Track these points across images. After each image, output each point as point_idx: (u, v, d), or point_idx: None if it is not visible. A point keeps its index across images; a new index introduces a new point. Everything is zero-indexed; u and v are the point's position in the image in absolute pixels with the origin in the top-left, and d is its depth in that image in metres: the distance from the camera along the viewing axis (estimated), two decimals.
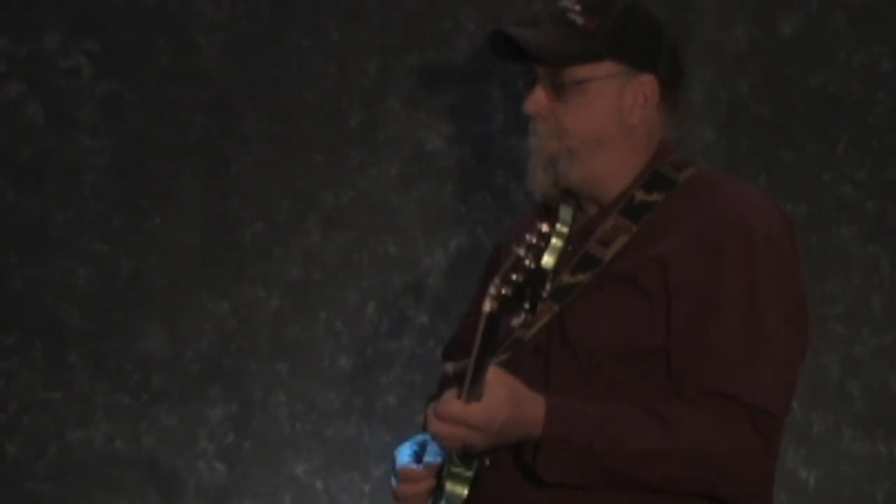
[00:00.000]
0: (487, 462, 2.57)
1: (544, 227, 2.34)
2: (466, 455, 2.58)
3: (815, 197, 3.80)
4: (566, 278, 2.60)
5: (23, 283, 3.67)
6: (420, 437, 2.77)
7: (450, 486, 2.58)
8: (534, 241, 2.34)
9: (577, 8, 2.64)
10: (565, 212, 2.40)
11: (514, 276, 2.33)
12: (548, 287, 2.36)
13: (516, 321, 2.42)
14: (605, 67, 2.61)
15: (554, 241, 2.33)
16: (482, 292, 2.81)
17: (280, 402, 3.72)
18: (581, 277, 2.56)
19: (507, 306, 2.35)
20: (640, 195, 2.66)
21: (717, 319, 2.56)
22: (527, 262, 2.33)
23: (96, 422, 3.62)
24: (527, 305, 2.34)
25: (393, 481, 2.74)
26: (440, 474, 2.67)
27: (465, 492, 2.57)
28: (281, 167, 3.74)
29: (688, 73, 3.59)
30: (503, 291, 2.32)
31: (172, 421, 3.70)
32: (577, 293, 2.58)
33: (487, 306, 2.35)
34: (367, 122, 3.75)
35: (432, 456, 2.70)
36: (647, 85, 2.64)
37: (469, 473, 2.57)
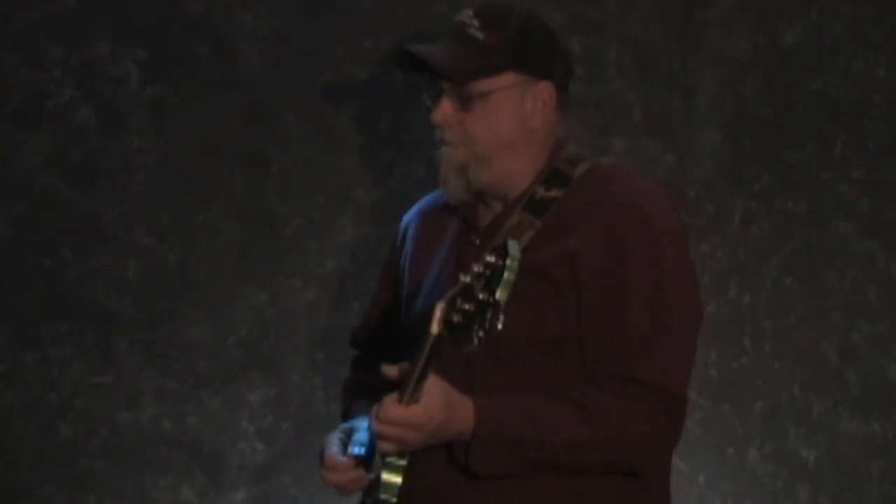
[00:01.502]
0: (419, 452, 2.63)
1: (491, 259, 2.39)
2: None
3: (814, 195, 3.82)
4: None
5: (76, 275, 3.75)
6: (346, 426, 2.85)
7: (385, 476, 2.65)
8: (480, 270, 2.39)
9: (476, 23, 2.69)
10: (513, 246, 2.42)
11: (465, 305, 2.39)
12: (502, 319, 2.38)
13: (468, 348, 2.45)
14: (507, 79, 2.68)
15: (507, 275, 2.37)
16: (386, 277, 3.03)
17: (315, 385, 3.78)
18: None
19: (455, 331, 2.42)
20: (541, 192, 2.73)
21: (623, 308, 2.64)
22: (479, 294, 2.38)
23: (144, 404, 3.69)
24: (481, 334, 2.38)
25: (321, 469, 2.79)
26: (368, 465, 2.74)
27: (400, 480, 2.64)
28: (316, 166, 3.79)
29: (694, 79, 3.72)
30: (454, 319, 2.39)
31: (215, 403, 3.76)
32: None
33: (435, 329, 2.42)
34: (395, 125, 3.79)
35: (357, 446, 2.77)
36: (545, 91, 2.71)
37: (403, 462, 2.65)
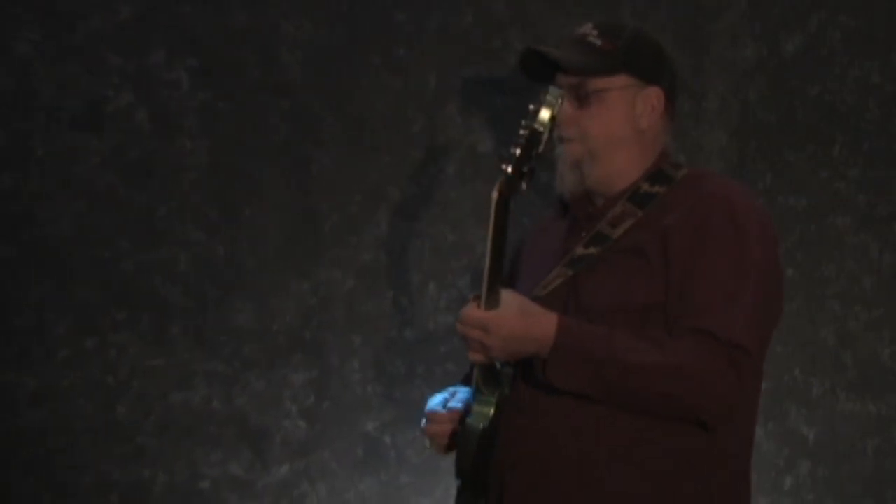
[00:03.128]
0: (507, 391, 2.76)
1: (532, 106, 2.59)
2: (490, 383, 2.76)
3: (813, 191, 3.92)
4: (579, 251, 2.76)
5: (133, 267, 3.77)
6: (451, 388, 2.94)
7: (477, 407, 2.78)
8: (525, 132, 2.59)
9: (595, 32, 2.80)
10: (554, 88, 2.62)
11: (515, 151, 2.57)
12: (542, 146, 2.61)
13: (523, 188, 2.65)
14: (621, 80, 2.78)
15: (544, 109, 2.59)
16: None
17: (354, 368, 3.85)
18: (592, 250, 2.73)
19: (511, 185, 2.59)
20: (645, 187, 2.80)
21: (703, 275, 2.69)
22: (521, 133, 2.58)
23: (195, 386, 3.74)
24: (526, 169, 2.57)
25: (423, 421, 2.90)
26: (463, 418, 2.83)
27: (491, 411, 2.76)
28: (354, 166, 3.84)
29: (704, 85, 3.82)
30: (505, 167, 2.57)
31: (261, 385, 3.81)
32: (587, 262, 2.74)
33: (495, 192, 2.58)
34: (428, 128, 3.87)
35: (456, 403, 2.88)
36: (654, 95, 2.80)
37: (492, 398, 2.76)
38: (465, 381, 2.99)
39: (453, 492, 2.99)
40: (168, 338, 3.79)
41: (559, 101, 2.62)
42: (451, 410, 2.85)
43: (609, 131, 2.79)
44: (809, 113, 3.90)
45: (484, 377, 2.77)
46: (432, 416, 2.87)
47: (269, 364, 3.81)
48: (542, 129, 2.60)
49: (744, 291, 2.69)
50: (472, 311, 2.64)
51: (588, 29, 2.81)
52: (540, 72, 2.80)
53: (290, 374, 3.84)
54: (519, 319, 2.64)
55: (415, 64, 3.85)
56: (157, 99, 3.78)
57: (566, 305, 2.75)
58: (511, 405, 2.78)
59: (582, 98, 2.77)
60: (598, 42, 2.78)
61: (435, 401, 2.91)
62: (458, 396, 2.89)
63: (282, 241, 3.84)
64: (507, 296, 2.64)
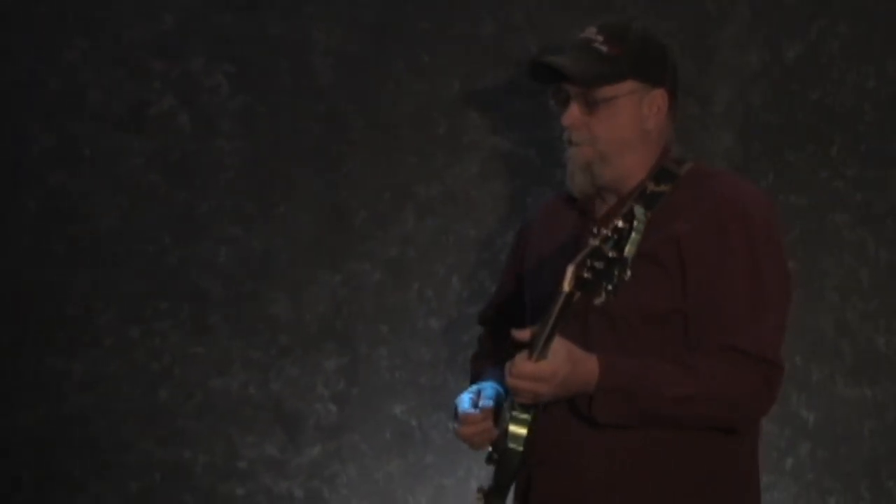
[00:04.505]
0: (542, 407, 2.71)
1: (621, 224, 2.48)
2: (527, 407, 2.70)
3: (813, 190, 3.89)
4: None
5: (175, 260, 3.83)
6: (475, 387, 2.90)
7: (513, 428, 2.72)
8: (609, 234, 2.49)
9: (600, 38, 2.78)
10: (640, 211, 2.50)
11: (595, 264, 2.48)
12: (628, 273, 2.48)
13: (598, 300, 2.54)
14: (628, 86, 2.77)
15: (634, 235, 2.47)
16: (510, 268, 3.07)
17: (382, 355, 3.87)
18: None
19: (584, 287, 2.51)
20: (651, 186, 2.78)
21: (725, 285, 2.69)
22: (609, 253, 2.47)
23: (233, 372, 3.80)
24: (609, 287, 2.49)
25: (455, 424, 2.86)
26: (497, 417, 2.80)
27: (525, 432, 2.71)
28: (382, 166, 3.86)
29: (710, 90, 3.78)
30: (584, 275, 2.49)
31: (295, 371, 3.84)
32: None
33: (567, 287, 2.50)
34: (452, 129, 3.88)
35: (486, 401, 2.83)
36: (659, 98, 2.80)
37: (527, 416, 2.72)
38: (474, 380, 3.02)
39: (475, 471, 2.96)
40: (207, 327, 3.84)
41: (644, 225, 2.50)
42: (483, 409, 2.83)
43: (617, 135, 2.79)
44: (809, 116, 3.89)
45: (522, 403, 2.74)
46: (466, 419, 2.83)
47: (303, 352, 3.84)
48: (628, 258, 2.50)
49: (764, 304, 2.71)
50: (525, 366, 2.61)
51: (593, 34, 2.80)
52: (548, 76, 2.81)
53: (322, 361, 3.87)
54: (567, 367, 2.62)
55: (439, 69, 3.87)
56: (196, 102, 3.84)
57: (587, 313, 2.72)
58: (547, 426, 2.76)
59: (591, 104, 2.77)
60: (604, 48, 2.77)
61: (464, 402, 2.86)
62: (485, 393, 2.87)
63: (314, 236, 3.87)
64: (557, 343, 2.60)
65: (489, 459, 2.84)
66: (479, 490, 2.84)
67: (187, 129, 3.86)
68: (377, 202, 3.90)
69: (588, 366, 2.65)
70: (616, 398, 2.66)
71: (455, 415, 2.87)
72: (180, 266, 3.86)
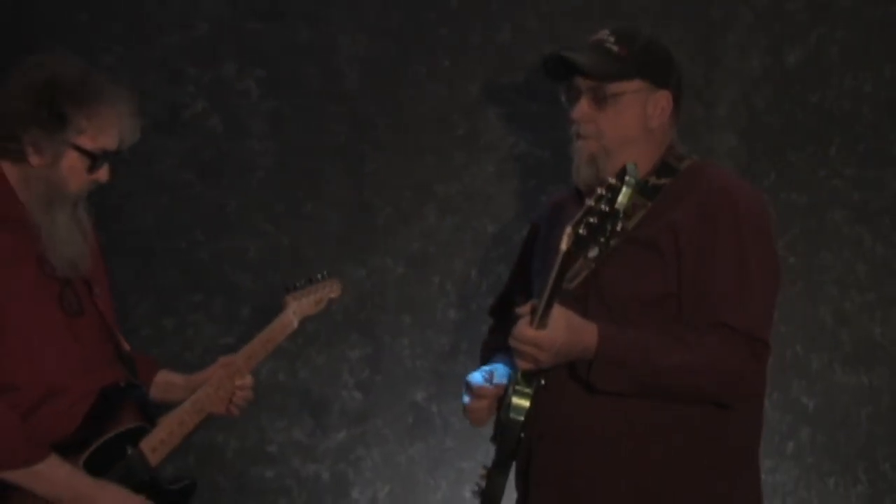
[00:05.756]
0: (543, 382, 2.78)
1: (612, 180, 2.50)
2: (528, 376, 2.75)
3: (813, 189, 3.94)
4: None
5: (207, 255, 3.90)
6: (487, 367, 2.97)
7: (515, 399, 2.78)
8: (602, 192, 2.51)
9: (612, 39, 2.86)
10: (631, 168, 2.51)
11: (590, 220, 2.49)
12: (620, 224, 2.50)
13: (592, 253, 2.62)
14: (635, 84, 2.84)
15: (625, 189, 2.48)
16: (521, 260, 3.10)
17: (403, 345, 3.94)
18: (611, 243, 2.67)
19: (581, 244, 2.52)
20: (653, 180, 2.84)
21: (715, 268, 2.74)
22: (602, 206, 2.49)
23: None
24: (602, 239, 2.51)
25: (465, 398, 2.92)
26: (504, 393, 2.87)
27: (527, 404, 2.78)
28: (404, 165, 3.92)
29: (715, 93, 3.83)
30: (581, 232, 2.50)
31: (321, 359, 3.91)
32: (608, 254, 2.75)
33: (565, 246, 2.51)
34: (470, 131, 3.93)
35: (500, 378, 2.91)
36: (663, 99, 2.86)
37: (529, 390, 2.77)
38: (483, 362, 3.09)
39: (493, 455, 3.06)
40: (239, 318, 3.90)
41: (635, 180, 2.53)
42: (497, 386, 2.90)
43: (622, 131, 2.84)
44: (809, 118, 3.93)
45: (524, 373, 2.79)
46: (480, 391, 2.90)
47: (329, 341, 3.90)
48: (619, 209, 2.52)
49: (755, 283, 2.76)
50: (526, 331, 2.65)
51: (605, 35, 2.86)
52: (560, 73, 2.87)
53: (347, 351, 3.93)
54: (567, 335, 2.67)
55: (458, 74, 3.92)
56: (228, 106, 3.91)
57: (587, 295, 2.79)
58: (546, 400, 2.81)
59: (600, 99, 2.82)
60: (615, 48, 2.83)
61: (476, 378, 2.93)
62: (499, 373, 2.93)
63: (340, 232, 3.92)
64: (556, 312, 2.64)
65: (494, 439, 2.91)
66: (483, 468, 2.91)
67: (219, 131, 3.91)
68: (399, 200, 3.95)
69: (587, 334, 2.71)
70: (614, 366, 2.72)
71: (467, 388, 2.93)
72: (212, 260, 3.91)
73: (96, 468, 2.94)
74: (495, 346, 3.12)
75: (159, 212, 3.90)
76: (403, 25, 3.93)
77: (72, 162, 2.96)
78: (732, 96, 3.94)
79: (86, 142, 2.96)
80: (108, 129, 2.96)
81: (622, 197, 2.48)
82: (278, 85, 3.93)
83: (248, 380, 3.20)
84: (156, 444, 3.04)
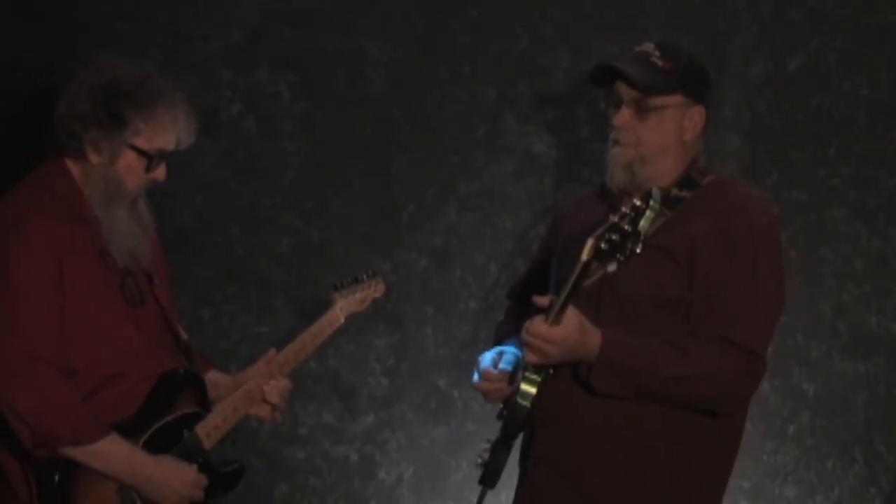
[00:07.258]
0: (552, 372, 2.86)
1: (638, 202, 2.60)
2: (538, 365, 2.83)
3: (813, 187, 3.99)
4: None
5: (242, 250, 4.00)
6: (497, 348, 3.03)
7: (524, 386, 2.86)
8: (627, 211, 2.61)
9: (657, 53, 2.92)
10: (656, 192, 2.64)
11: (612, 237, 2.59)
12: (640, 246, 2.62)
13: (611, 269, 2.72)
14: (676, 99, 2.93)
15: (648, 213, 2.61)
16: (544, 247, 3.17)
17: (427, 334, 4.02)
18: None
19: (600, 257, 2.63)
20: (675, 191, 2.91)
21: (726, 283, 2.82)
22: (625, 226, 2.59)
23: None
24: (621, 257, 2.62)
25: (475, 377, 2.99)
26: (513, 379, 2.93)
27: (534, 391, 2.85)
28: (428, 165, 4.01)
29: (720, 97, 3.86)
30: (602, 246, 2.60)
31: (350, 348, 3.99)
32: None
33: (585, 256, 2.61)
34: (489, 133, 4.00)
35: (506, 364, 2.97)
36: (698, 114, 2.96)
37: (538, 378, 2.85)
38: (497, 344, 3.15)
39: (498, 431, 3.09)
40: (271, 309, 4.00)
41: (659, 205, 2.63)
42: (502, 371, 2.97)
43: (660, 142, 2.91)
44: (810, 120, 3.97)
45: (535, 364, 2.86)
46: (487, 375, 2.99)
47: (357, 331, 3.95)
48: (640, 231, 2.61)
49: (760, 303, 2.84)
50: (541, 327, 2.74)
51: (650, 48, 2.92)
52: (605, 79, 2.94)
53: (374, 340, 4.01)
54: (576, 335, 2.75)
55: (478, 79, 4.00)
56: (261, 109, 3.98)
57: (600, 295, 2.86)
58: (553, 389, 2.89)
59: (642, 110, 2.89)
60: (660, 62, 2.90)
61: (486, 360, 3.00)
62: (506, 357, 2.99)
63: (367, 228, 4.01)
64: (571, 312, 2.72)
65: (500, 416, 2.99)
66: (488, 441, 3.00)
67: (253, 133, 4.00)
68: (423, 197, 4.04)
69: (593, 338, 2.79)
70: (613, 370, 2.80)
71: (477, 368, 3.02)
72: (247, 255, 4.01)
73: (155, 450, 3.06)
74: (510, 326, 3.19)
75: (196, 209, 3.99)
76: (427, 34, 4.01)
77: (129, 161, 3.06)
78: (737, 100, 4.00)
79: (142, 142, 3.06)
80: (164, 130, 3.05)
81: (644, 221, 2.59)
82: (309, 89, 4.01)
83: (282, 382, 3.28)
84: (210, 430, 3.16)
